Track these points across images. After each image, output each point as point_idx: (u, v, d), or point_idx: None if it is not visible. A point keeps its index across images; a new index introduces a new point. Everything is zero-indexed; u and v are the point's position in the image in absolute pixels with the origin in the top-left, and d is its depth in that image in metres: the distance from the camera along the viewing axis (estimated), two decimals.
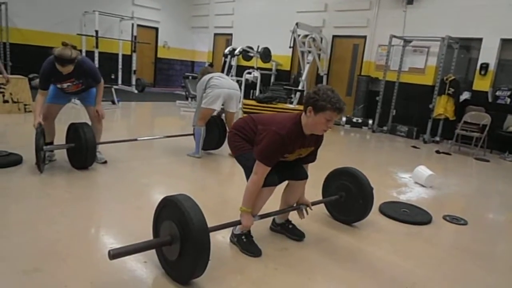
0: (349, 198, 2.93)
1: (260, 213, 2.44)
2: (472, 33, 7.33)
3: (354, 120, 8.76)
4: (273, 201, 2.61)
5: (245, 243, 2.40)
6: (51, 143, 3.89)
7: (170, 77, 13.78)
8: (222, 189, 3.84)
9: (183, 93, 10.78)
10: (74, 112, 6.33)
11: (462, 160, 6.28)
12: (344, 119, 8.82)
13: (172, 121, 7.91)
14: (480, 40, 7.29)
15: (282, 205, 2.67)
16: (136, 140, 4.87)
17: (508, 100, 7.05)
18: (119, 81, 11.15)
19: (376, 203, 3.42)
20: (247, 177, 2.36)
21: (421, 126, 7.78)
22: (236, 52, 10.46)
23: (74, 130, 3.71)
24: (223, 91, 4.46)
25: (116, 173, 3.84)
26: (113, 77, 11.33)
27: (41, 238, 2.35)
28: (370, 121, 8.61)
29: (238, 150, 2.44)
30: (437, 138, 7.56)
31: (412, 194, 4.03)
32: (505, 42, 7.08)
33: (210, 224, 1.95)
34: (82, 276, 1.99)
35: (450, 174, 5.31)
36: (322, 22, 9.57)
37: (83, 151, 3.59)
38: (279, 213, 2.62)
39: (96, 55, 10.05)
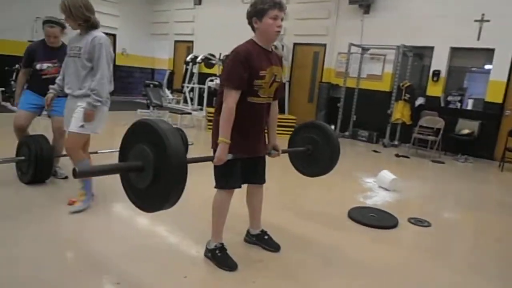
0: (315, 150, 2.83)
1: (235, 230, 2.41)
2: (424, 41, 7.74)
3: None
4: (243, 209, 2.60)
5: (220, 257, 2.36)
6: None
7: (130, 85, 13.40)
8: (189, 199, 3.76)
9: (144, 101, 10.52)
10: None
11: (420, 162, 6.59)
12: None
13: None
14: (432, 48, 7.72)
15: (250, 211, 2.65)
16: (96, 152, 4.66)
17: (459, 104, 7.51)
18: None
19: (345, 209, 3.53)
20: (216, 179, 2.32)
21: (380, 130, 8.09)
22: (198, 59, 10.38)
23: (26, 142, 3.51)
24: None
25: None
26: None
27: (2, 261, 2.18)
28: (332, 127, 8.82)
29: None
30: (396, 142, 7.89)
31: (378, 198, 4.16)
32: (454, 50, 7.55)
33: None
34: None
35: (410, 177, 5.55)
36: (283, 30, 9.72)
37: (38, 163, 3.40)
38: (247, 154, 2.37)
39: None
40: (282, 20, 2.21)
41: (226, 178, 2.31)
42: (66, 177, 3.80)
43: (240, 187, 2.37)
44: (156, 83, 10.75)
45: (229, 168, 2.27)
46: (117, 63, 12.97)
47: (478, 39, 7.09)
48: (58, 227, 2.80)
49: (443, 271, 2.62)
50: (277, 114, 2.54)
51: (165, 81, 11.36)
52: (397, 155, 6.87)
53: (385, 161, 6.66)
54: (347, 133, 8.60)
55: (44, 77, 3.58)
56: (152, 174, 1.69)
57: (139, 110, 9.48)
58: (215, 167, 2.31)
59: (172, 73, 12.13)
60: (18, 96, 3.70)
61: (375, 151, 7.25)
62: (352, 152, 7.42)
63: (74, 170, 1.54)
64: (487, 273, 2.67)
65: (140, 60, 13.49)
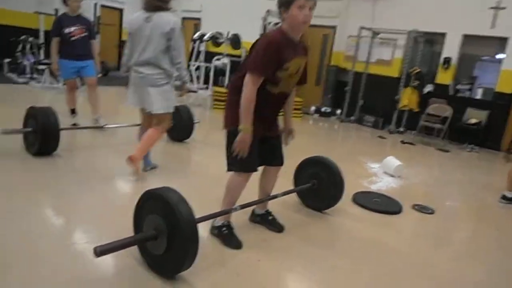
0: (321, 186, 2.99)
1: (242, 202, 2.42)
2: (436, 28, 7.59)
3: (323, 109, 8.88)
4: (253, 190, 2.61)
5: (227, 235, 2.38)
6: (74, 109, 4.92)
7: None
8: (197, 177, 3.78)
9: None
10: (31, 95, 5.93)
11: (425, 150, 6.56)
12: (313, 108, 8.92)
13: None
14: (444, 35, 7.57)
15: (260, 193, 2.66)
16: (103, 127, 4.67)
17: (468, 93, 7.42)
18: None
19: (349, 193, 3.52)
20: (228, 162, 2.30)
21: (386, 116, 8.03)
22: (206, 37, 10.24)
23: (33, 114, 3.52)
24: None
25: (85, 161, 3.68)
26: None
27: (9, 234, 2.20)
28: (338, 111, 8.77)
29: (232, 123, 2.22)
30: (402, 129, 7.83)
31: (382, 184, 4.16)
32: (466, 38, 7.40)
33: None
34: (59, 273, 1.89)
35: (415, 164, 5.52)
36: None
37: (44, 135, 3.43)
38: (259, 202, 2.62)
39: None
40: (311, 9, 2.10)
41: (241, 161, 2.25)
42: (103, 126, 4.64)
43: (256, 170, 2.35)
44: None
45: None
46: (124, 38, 12.85)
47: (492, 27, 6.94)
48: (61, 199, 2.82)
49: (443, 258, 2.63)
50: (294, 99, 2.53)
51: None
52: (402, 142, 6.84)
53: (391, 147, 6.64)
54: (353, 118, 8.55)
55: (72, 39, 4.52)
56: (166, 241, 1.84)
57: None
58: (228, 149, 2.30)
59: None
60: (55, 62, 4.59)
61: (380, 137, 7.22)
62: (357, 137, 7.39)
63: (95, 249, 1.64)
64: (485, 261, 2.69)
65: None
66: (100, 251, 1.65)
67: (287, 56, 2.15)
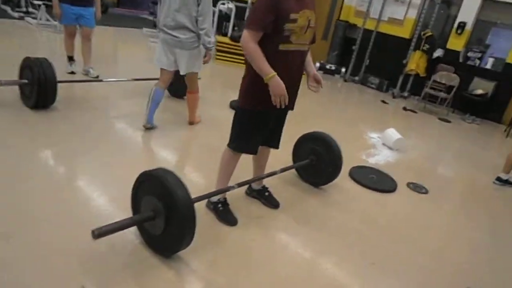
0: (319, 162, 3.00)
1: (240, 180, 2.43)
2: None
3: (327, 66, 8.65)
4: (251, 166, 2.61)
5: (222, 212, 2.41)
6: (72, 57, 4.81)
7: None
8: (195, 139, 3.76)
9: (151, 18, 10.01)
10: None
11: (427, 119, 6.50)
12: (317, 64, 8.68)
13: (138, 53, 7.40)
14: None
15: (254, 169, 2.67)
16: (101, 81, 4.54)
17: (478, 62, 7.19)
18: None
19: (346, 165, 3.49)
20: (232, 138, 2.29)
21: (392, 79, 7.85)
22: None
23: (28, 65, 3.41)
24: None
25: (83, 115, 3.62)
26: None
27: (7, 197, 2.22)
28: (343, 69, 8.55)
29: (242, 103, 2.21)
30: (406, 94, 7.70)
31: (380, 157, 4.16)
32: (485, 2, 7.02)
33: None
34: (56, 246, 1.94)
35: (414, 134, 5.49)
36: None
37: (41, 88, 3.35)
38: (257, 179, 2.63)
39: None
40: None
41: (245, 140, 2.25)
42: (97, 77, 4.62)
43: (256, 153, 2.34)
44: None
45: (255, 128, 2.21)
46: None
47: None
48: (60, 155, 2.82)
49: (431, 243, 2.71)
50: (311, 57, 2.39)
51: None
52: (404, 109, 6.75)
53: (392, 114, 6.57)
54: (357, 78, 8.36)
55: None
56: (164, 222, 1.86)
57: (145, 29, 9.05)
58: (237, 123, 2.26)
59: None
60: (58, 7, 4.33)
61: (383, 101, 7.10)
62: (360, 100, 7.28)
63: (93, 232, 1.66)
64: (470, 245, 2.77)
65: None
66: (98, 234, 1.67)
67: (292, 6, 1.99)
